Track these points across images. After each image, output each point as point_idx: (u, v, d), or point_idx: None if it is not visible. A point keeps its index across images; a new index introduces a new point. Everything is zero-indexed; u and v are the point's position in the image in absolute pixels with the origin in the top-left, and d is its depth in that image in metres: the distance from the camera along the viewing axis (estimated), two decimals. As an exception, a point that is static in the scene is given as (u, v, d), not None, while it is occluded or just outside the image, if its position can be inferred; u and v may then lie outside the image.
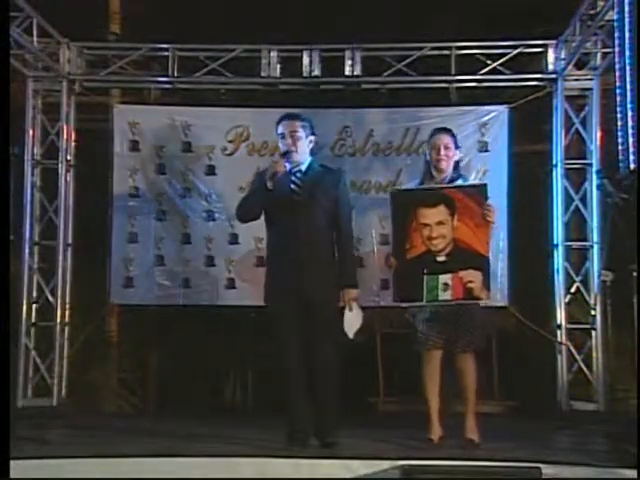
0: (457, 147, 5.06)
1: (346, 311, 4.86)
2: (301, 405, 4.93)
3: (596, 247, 6.70)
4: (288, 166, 4.90)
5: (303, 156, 4.97)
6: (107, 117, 7.20)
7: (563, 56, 6.83)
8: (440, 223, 4.77)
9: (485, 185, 4.88)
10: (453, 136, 5.04)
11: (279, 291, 4.92)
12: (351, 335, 4.82)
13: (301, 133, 4.96)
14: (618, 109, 5.03)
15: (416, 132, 6.99)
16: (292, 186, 4.90)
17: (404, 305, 5.03)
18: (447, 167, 4.96)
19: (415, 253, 4.81)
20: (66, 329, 7.01)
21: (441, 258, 4.79)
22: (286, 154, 4.90)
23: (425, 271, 4.78)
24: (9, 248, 4.06)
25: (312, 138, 5.04)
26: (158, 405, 7.74)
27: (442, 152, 4.93)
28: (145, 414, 7.35)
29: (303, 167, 4.97)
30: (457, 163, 5.06)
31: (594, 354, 6.72)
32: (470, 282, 4.73)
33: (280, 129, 4.98)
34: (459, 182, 4.99)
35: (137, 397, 7.64)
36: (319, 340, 4.88)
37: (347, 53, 7.01)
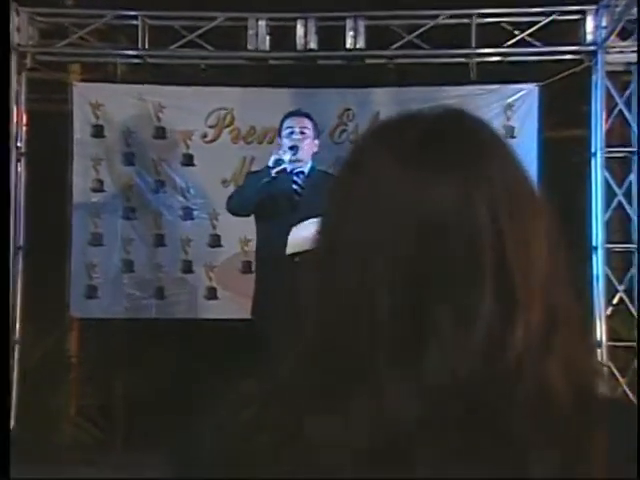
0: None
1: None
2: None
3: (643, 250, 6.52)
4: (289, 166, 5.12)
5: (307, 157, 5.24)
6: (65, 97, 6.92)
7: (604, 24, 6.49)
8: None
9: None
10: None
11: (269, 302, 4.96)
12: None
13: (310, 132, 5.26)
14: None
15: (430, 115, 6.70)
16: (294, 186, 5.13)
17: None
18: None
19: None
20: (16, 347, 6.66)
21: None
22: (293, 148, 5.11)
23: None
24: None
25: (317, 142, 5.35)
26: (125, 437, 7.35)
27: None
28: (109, 447, 6.95)
29: (305, 169, 5.24)
30: None
31: (641, 376, 6.49)
32: None
33: (288, 123, 5.26)
34: None
35: (100, 427, 7.16)
36: None
37: (348, 23, 6.74)
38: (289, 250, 4.68)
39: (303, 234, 4.55)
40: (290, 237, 4.72)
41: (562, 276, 0.87)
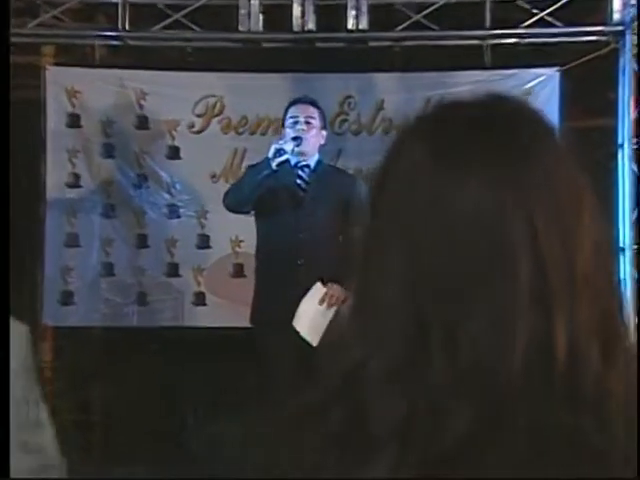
0: None
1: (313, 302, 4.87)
2: None
3: (675, 252, 6.48)
4: (293, 159, 5.09)
5: (313, 149, 5.19)
6: (37, 83, 6.78)
7: (633, 1, 6.33)
8: None
9: None
10: None
11: (271, 308, 4.95)
12: (313, 342, 4.71)
13: (316, 122, 5.18)
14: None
15: (439, 103, 6.57)
16: (298, 181, 5.11)
17: None
18: None
19: None
20: (-16, 359, 6.31)
21: None
22: (297, 139, 5.03)
23: None
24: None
25: (324, 133, 5.28)
26: (104, 454, 7.27)
27: None
28: (87, 465, 6.61)
29: (311, 163, 5.19)
30: None
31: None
32: None
33: (293, 112, 5.18)
34: None
35: (77, 445, 6.94)
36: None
37: (350, 1, 6.53)
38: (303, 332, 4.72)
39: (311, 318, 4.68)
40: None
41: (608, 279, 0.88)
